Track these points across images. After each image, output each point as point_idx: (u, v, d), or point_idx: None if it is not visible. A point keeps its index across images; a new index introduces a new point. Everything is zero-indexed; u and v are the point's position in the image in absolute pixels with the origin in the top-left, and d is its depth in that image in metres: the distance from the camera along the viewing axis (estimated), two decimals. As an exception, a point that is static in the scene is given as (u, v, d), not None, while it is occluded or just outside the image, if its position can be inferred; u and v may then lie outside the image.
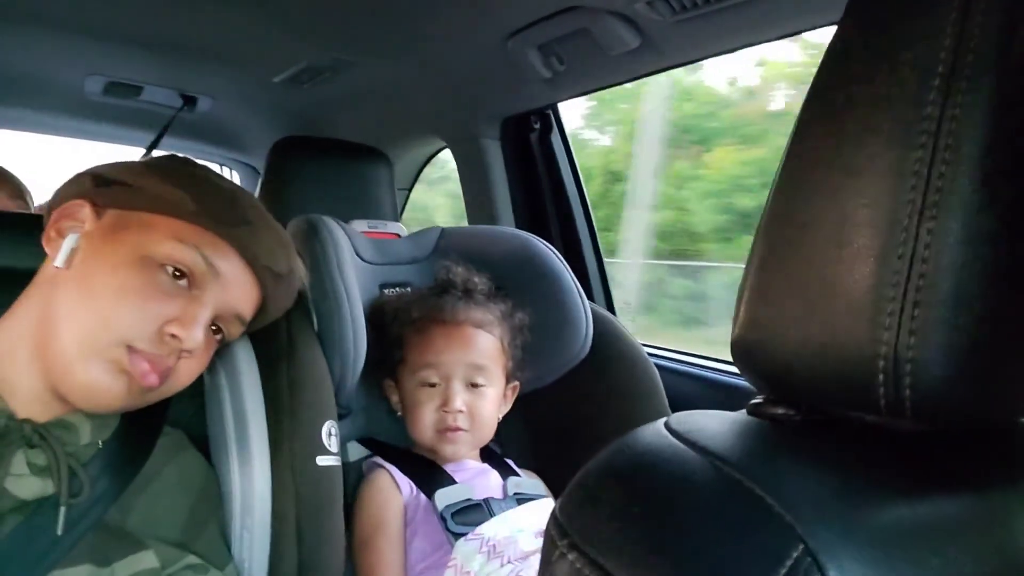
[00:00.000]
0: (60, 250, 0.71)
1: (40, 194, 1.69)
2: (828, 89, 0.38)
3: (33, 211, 1.60)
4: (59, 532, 0.66)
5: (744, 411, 0.43)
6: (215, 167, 2.59)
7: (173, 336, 0.69)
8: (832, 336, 0.35)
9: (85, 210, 0.73)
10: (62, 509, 0.66)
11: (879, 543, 0.31)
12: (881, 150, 0.34)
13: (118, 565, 0.69)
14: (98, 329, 0.67)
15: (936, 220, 0.32)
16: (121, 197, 0.73)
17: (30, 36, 1.53)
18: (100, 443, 0.74)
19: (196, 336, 0.70)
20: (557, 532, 0.37)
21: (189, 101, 1.90)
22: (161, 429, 0.81)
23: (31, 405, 0.69)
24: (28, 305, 0.72)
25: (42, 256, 0.76)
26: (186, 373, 0.74)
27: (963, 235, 0.32)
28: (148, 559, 0.72)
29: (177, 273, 0.71)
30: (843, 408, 0.37)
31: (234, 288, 0.75)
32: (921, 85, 0.33)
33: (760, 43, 1.00)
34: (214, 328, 0.76)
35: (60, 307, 0.69)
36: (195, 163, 0.80)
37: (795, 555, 0.30)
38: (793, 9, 0.88)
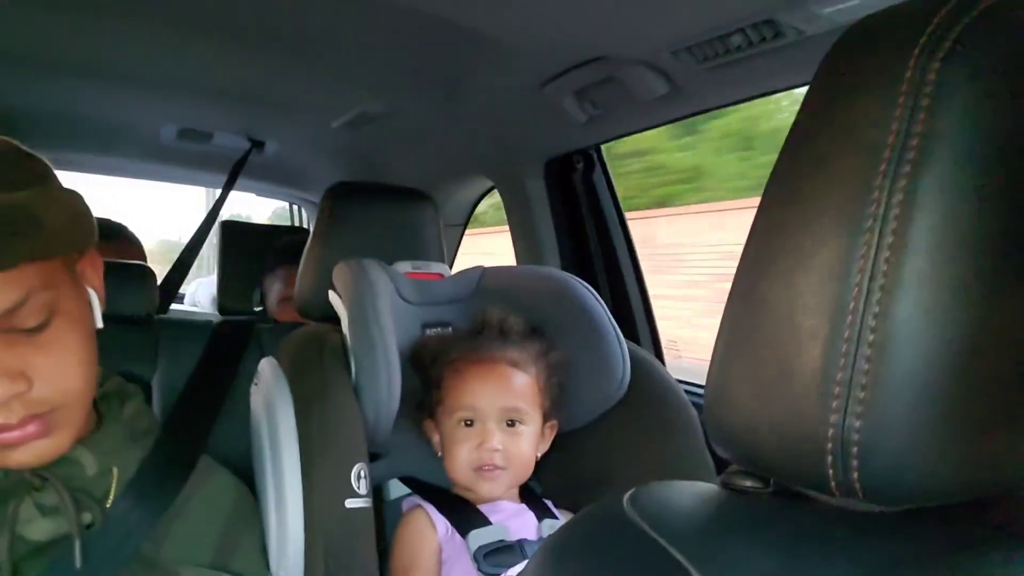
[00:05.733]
0: None
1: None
2: (788, 168, 0.39)
3: None
4: (77, 565, 0.67)
5: (719, 479, 0.44)
6: (284, 205, 2.73)
7: None
8: (787, 415, 0.36)
9: None
10: (76, 543, 0.68)
11: None
12: (831, 233, 0.34)
13: None
14: None
15: (881, 305, 0.33)
16: None
17: (111, 89, 1.65)
18: (115, 471, 0.75)
19: None
20: None
21: (257, 144, 2.00)
22: (196, 462, 0.83)
23: None
24: None
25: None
26: (50, 394, 0.66)
27: (907, 319, 0.32)
28: None
29: None
30: (800, 487, 0.38)
31: None
32: (870, 168, 0.33)
33: (789, 88, 1.00)
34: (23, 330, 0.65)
35: None
36: None
37: None
38: (817, 56, 0.87)
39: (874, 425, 0.33)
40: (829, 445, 0.34)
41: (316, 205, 2.50)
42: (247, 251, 2.00)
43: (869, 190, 0.33)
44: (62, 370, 0.66)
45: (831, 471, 0.34)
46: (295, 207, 2.70)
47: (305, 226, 2.63)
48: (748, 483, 0.41)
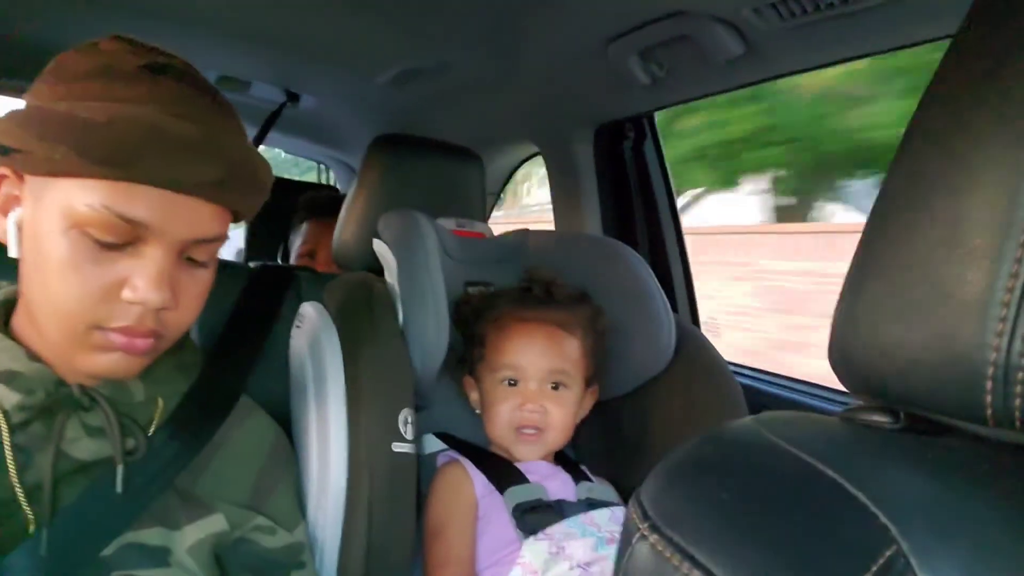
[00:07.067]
0: (9, 233, 0.65)
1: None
2: (948, 87, 0.37)
3: None
4: (119, 490, 0.67)
5: (841, 415, 0.42)
6: (313, 165, 2.70)
7: (132, 302, 0.64)
8: (937, 340, 0.34)
9: (10, 180, 0.65)
10: (119, 467, 0.68)
11: (980, 553, 0.30)
12: (1002, 150, 0.32)
13: (188, 528, 0.71)
14: (65, 321, 0.64)
15: None
16: (24, 163, 0.62)
17: (147, 32, 1.61)
18: (160, 400, 0.75)
19: (153, 297, 0.63)
20: (639, 514, 0.36)
21: (293, 98, 1.97)
22: (237, 399, 0.82)
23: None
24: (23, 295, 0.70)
25: None
26: (175, 322, 0.69)
27: None
28: (217, 522, 0.74)
29: (101, 239, 0.63)
30: (945, 416, 0.36)
31: (174, 224, 0.64)
32: None
33: (874, 53, 0.96)
34: (190, 259, 0.69)
35: (33, 303, 0.66)
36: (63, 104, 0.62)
37: (888, 554, 0.29)
38: (911, 18, 0.84)
39: None
40: (990, 370, 0.32)
41: (346, 165, 2.49)
42: (275, 205, 1.97)
43: None
44: (193, 309, 0.71)
45: (989, 398, 0.32)
46: (323, 166, 2.68)
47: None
48: (875, 418, 0.39)
